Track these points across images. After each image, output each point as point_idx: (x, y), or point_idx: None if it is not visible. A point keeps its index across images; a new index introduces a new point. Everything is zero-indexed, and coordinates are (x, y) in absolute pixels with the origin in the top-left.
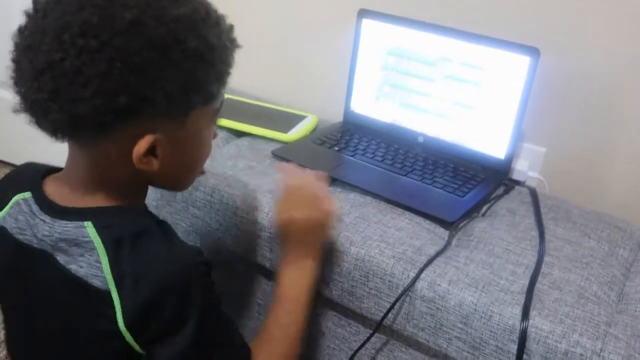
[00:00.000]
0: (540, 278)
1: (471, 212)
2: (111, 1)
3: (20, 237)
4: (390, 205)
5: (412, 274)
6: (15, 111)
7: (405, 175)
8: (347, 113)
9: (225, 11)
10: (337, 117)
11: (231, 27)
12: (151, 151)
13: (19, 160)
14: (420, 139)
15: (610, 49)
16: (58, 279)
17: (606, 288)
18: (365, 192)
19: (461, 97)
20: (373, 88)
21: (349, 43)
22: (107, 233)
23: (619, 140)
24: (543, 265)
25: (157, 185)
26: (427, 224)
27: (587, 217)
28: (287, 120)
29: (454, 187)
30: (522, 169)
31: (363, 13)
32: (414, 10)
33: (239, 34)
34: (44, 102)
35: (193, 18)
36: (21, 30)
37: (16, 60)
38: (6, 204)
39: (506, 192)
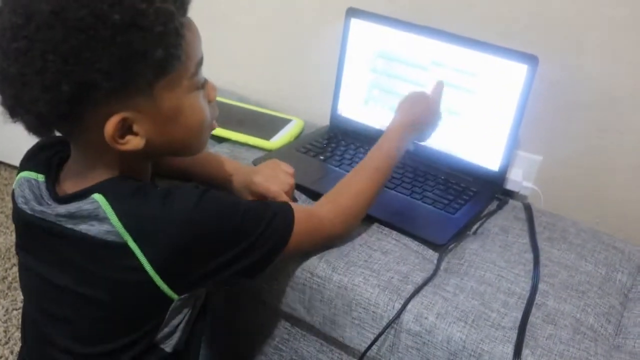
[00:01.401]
0: (534, 310)
1: (462, 231)
2: None
3: (24, 207)
4: (376, 224)
5: (398, 305)
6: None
7: (393, 189)
8: (334, 116)
9: (212, 10)
10: (324, 119)
11: None
12: (128, 130)
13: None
14: (411, 147)
15: (608, 57)
16: (70, 244)
17: (603, 320)
18: None
19: (454, 104)
20: (361, 91)
21: (337, 43)
22: (111, 194)
23: (616, 150)
24: (537, 295)
25: (162, 155)
26: (415, 245)
27: (583, 237)
28: (270, 125)
29: (445, 202)
30: (517, 178)
31: (352, 12)
32: (406, 11)
33: (226, 32)
34: (12, 108)
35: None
36: None
37: None
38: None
39: (499, 207)
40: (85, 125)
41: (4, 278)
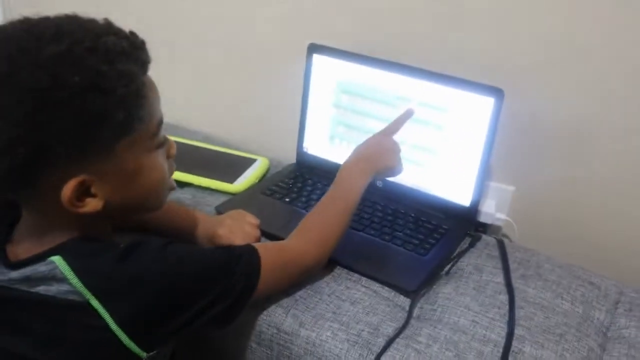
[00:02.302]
0: (510, 358)
1: (434, 273)
2: None
3: None
4: (345, 270)
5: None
6: None
7: (361, 230)
8: (300, 154)
9: (171, 45)
10: (290, 156)
11: (137, 45)
12: (86, 192)
13: None
14: (379, 184)
15: (575, 88)
16: (26, 309)
17: None
18: None
19: (421, 139)
20: (326, 127)
21: (300, 79)
22: (68, 255)
23: (587, 180)
24: (513, 341)
25: (122, 215)
26: (386, 291)
27: (559, 273)
28: (234, 166)
29: (415, 243)
30: (489, 210)
31: (313, 48)
32: (370, 47)
33: (187, 68)
34: None
35: (74, 52)
36: None
37: None
38: None
39: (472, 244)
40: (41, 189)
41: None
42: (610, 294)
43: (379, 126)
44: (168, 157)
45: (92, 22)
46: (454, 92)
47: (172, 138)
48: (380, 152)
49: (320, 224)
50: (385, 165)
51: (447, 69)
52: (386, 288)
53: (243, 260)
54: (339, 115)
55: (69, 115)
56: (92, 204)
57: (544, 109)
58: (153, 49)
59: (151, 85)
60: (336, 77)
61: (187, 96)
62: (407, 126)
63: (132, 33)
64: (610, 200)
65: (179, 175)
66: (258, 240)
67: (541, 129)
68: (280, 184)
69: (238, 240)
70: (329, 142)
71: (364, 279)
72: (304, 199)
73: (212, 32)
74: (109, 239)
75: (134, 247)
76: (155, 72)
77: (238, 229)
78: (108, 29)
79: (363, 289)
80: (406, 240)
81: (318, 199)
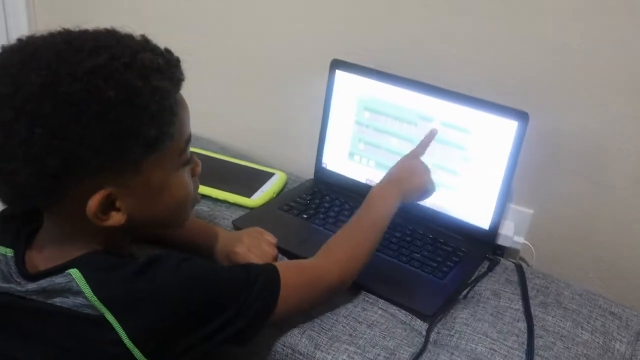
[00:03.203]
0: None
1: (452, 298)
2: (23, 67)
3: None
4: (363, 292)
5: None
6: None
7: (379, 251)
8: (318, 170)
9: (195, 60)
10: (308, 171)
11: (172, 63)
12: (111, 206)
13: None
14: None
15: (600, 111)
16: (41, 319)
17: None
18: None
19: (442, 160)
20: (346, 144)
21: (322, 94)
22: (86, 269)
23: (609, 204)
24: None
25: (143, 230)
26: (402, 314)
27: (579, 302)
28: (252, 180)
29: (433, 266)
30: (508, 233)
31: (336, 64)
32: (393, 64)
33: (209, 81)
34: None
35: (111, 66)
36: None
37: None
38: None
39: (490, 268)
40: (67, 199)
41: None
42: (632, 325)
43: (399, 144)
44: (193, 175)
45: (129, 37)
46: (478, 113)
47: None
48: (412, 175)
49: (347, 244)
50: (417, 187)
51: (471, 90)
52: (403, 311)
53: (262, 279)
54: (359, 132)
55: (102, 128)
56: (116, 218)
57: (565, 132)
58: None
59: (182, 103)
60: (358, 93)
61: (207, 107)
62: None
63: (167, 50)
64: (633, 227)
65: None
66: (275, 259)
67: (563, 152)
68: (298, 199)
69: (256, 259)
70: (349, 158)
71: (381, 300)
72: (321, 215)
73: (235, 45)
74: (127, 253)
75: (151, 262)
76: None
77: (256, 247)
78: (145, 45)
79: (380, 312)
80: (424, 262)
81: (336, 216)
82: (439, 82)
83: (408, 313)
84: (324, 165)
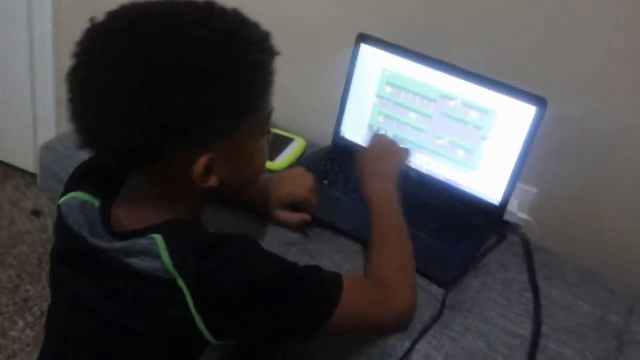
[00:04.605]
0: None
1: (465, 267)
2: (128, 36)
3: (82, 234)
4: None
5: (407, 344)
6: (78, 147)
7: None
8: (336, 137)
9: None
10: (323, 139)
11: (267, 36)
12: (208, 169)
13: None
14: (413, 174)
15: (609, 97)
16: (116, 271)
17: None
18: (357, 239)
19: (459, 137)
20: (366, 115)
21: (345, 65)
22: (168, 235)
23: (611, 188)
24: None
25: (218, 197)
26: (420, 280)
27: (580, 276)
28: (274, 144)
29: (447, 236)
30: (512, 209)
31: (362, 37)
32: (418, 42)
33: None
34: (89, 142)
35: (213, 38)
36: (75, 72)
37: (73, 101)
38: (72, 190)
39: (499, 241)
40: (166, 163)
41: None
42: (625, 299)
43: (418, 119)
44: (267, 141)
45: (225, 10)
46: (498, 96)
47: None
48: (381, 156)
49: (393, 264)
50: (394, 160)
51: (492, 72)
52: (421, 277)
53: (325, 278)
54: (380, 104)
55: (208, 97)
56: (212, 181)
57: (574, 117)
58: None
59: (273, 76)
60: (382, 67)
61: None
62: (446, 123)
63: (258, 24)
64: (633, 213)
65: None
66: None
67: (571, 136)
68: (318, 165)
69: (300, 191)
70: (367, 129)
71: None
72: (341, 182)
73: (260, 13)
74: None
75: (225, 239)
76: None
77: (297, 184)
78: (241, 18)
79: None
80: (439, 231)
81: (355, 184)
82: (462, 62)
83: (424, 279)
84: (342, 134)
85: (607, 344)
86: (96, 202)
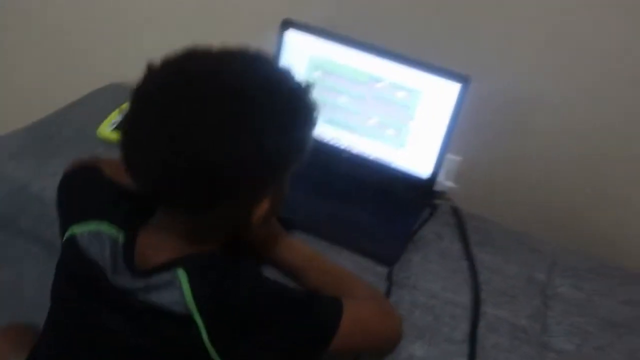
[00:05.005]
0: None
1: (405, 242)
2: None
3: (96, 259)
4: (327, 243)
5: None
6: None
7: (330, 199)
8: None
9: (144, 23)
10: None
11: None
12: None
13: None
14: (346, 156)
15: (521, 67)
16: (132, 307)
17: (532, 321)
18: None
19: (389, 117)
20: None
21: (271, 53)
22: (192, 268)
23: (530, 148)
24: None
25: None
26: (365, 262)
27: (507, 239)
28: None
29: (385, 214)
30: (439, 178)
31: (287, 24)
32: (343, 26)
33: (153, 35)
34: (165, 194)
35: (299, 90)
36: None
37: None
38: (89, 218)
39: (432, 213)
40: (237, 205)
41: None
42: (548, 255)
43: (349, 102)
44: None
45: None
46: (425, 75)
47: None
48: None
49: (356, 290)
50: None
51: (417, 53)
52: (366, 259)
53: (327, 304)
54: None
55: (295, 141)
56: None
57: (493, 88)
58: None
59: None
60: (309, 53)
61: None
62: (376, 104)
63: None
64: (551, 167)
65: None
66: None
67: (489, 105)
68: None
69: None
70: None
71: (344, 250)
72: None
73: (182, 2)
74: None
75: (238, 273)
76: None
77: None
78: (284, 66)
79: (345, 262)
80: (377, 209)
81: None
82: (388, 44)
83: (368, 260)
84: None
85: (535, 301)
86: (121, 237)
